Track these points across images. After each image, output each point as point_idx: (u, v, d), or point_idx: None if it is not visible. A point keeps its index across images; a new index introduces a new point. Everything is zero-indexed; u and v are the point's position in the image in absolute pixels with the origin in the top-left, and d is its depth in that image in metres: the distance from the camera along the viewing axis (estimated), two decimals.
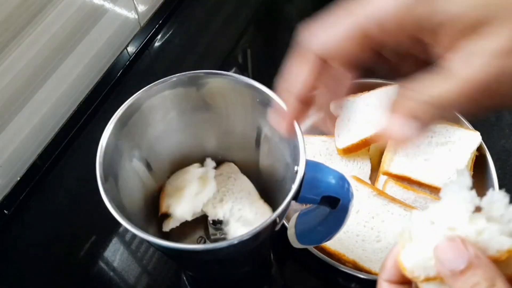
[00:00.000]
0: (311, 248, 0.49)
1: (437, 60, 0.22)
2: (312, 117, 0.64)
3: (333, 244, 0.49)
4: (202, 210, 0.47)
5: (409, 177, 0.53)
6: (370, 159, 0.57)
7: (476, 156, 0.55)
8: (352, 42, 0.23)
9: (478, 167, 0.55)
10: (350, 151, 0.56)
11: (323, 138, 0.59)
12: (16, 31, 0.50)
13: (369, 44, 0.23)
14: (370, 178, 0.56)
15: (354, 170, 0.56)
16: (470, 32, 0.20)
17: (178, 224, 0.48)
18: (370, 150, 0.58)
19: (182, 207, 0.45)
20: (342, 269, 0.48)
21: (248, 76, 0.41)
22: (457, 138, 0.55)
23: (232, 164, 0.50)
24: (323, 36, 0.25)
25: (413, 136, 0.24)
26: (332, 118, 0.31)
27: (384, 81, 0.60)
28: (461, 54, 0.20)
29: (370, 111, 0.57)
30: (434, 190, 0.53)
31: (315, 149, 0.58)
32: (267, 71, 0.71)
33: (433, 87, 0.21)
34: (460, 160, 0.54)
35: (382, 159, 0.56)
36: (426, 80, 0.21)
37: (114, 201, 0.35)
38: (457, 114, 0.58)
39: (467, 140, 0.55)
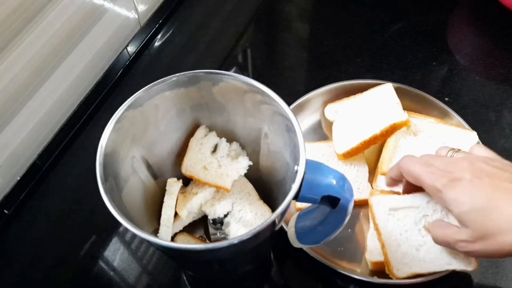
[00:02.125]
0: (309, 250, 0.49)
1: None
2: (306, 123, 0.64)
3: None
4: (201, 211, 0.47)
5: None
6: (366, 161, 0.57)
7: None
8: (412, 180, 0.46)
9: None
10: (350, 155, 0.56)
11: (318, 144, 0.59)
12: (16, 31, 0.50)
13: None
14: (369, 181, 0.56)
15: (352, 174, 0.56)
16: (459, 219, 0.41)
17: (181, 228, 0.48)
18: (365, 152, 0.58)
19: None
20: (340, 271, 0.48)
21: (248, 76, 0.41)
22: (455, 138, 0.55)
23: None
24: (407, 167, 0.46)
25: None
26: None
27: (375, 81, 0.60)
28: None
29: (366, 113, 0.57)
30: None
31: (310, 155, 0.58)
32: (267, 70, 0.72)
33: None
34: None
35: (380, 160, 0.56)
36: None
37: (114, 201, 0.35)
38: (453, 113, 0.58)
39: (464, 140, 0.55)
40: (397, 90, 0.58)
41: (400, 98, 0.57)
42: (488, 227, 0.38)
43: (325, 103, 0.61)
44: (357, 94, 0.60)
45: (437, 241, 0.44)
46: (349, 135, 0.56)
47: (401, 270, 0.46)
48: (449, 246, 0.43)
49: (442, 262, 0.45)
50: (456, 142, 0.55)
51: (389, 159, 0.55)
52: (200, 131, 0.47)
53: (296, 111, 0.60)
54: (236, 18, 0.77)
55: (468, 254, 0.43)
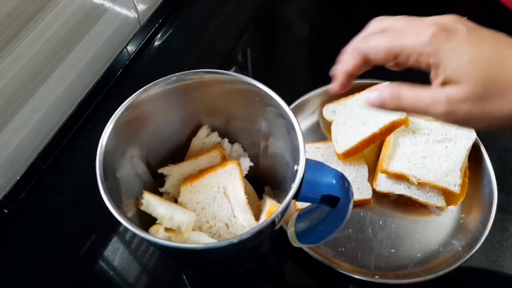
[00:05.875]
0: (309, 250, 0.49)
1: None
2: (305, 124, 0.64)
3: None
4: None
5: (407, 176, 0.53)
6: (366, 161, 0.57)
7: (473, 152, 0.55)
8: (383, 54, 0.35)
9: (475, 162, 0.55)
10: (350, 154, 0.56)
11: (317, 145, 0.59)
12: (15, 31, 0.50)
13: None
14: (369, 180, 0.56)
15: (352, 174, 0.56)
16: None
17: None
18: (365, 152, 0.58)
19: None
20: (340, 271, 0.48)
21: (248, 75, 0.41)
22: (453, 135, 0.55)
23: None
24: (370, 45, 0.36)
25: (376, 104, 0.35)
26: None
27: (373, 81, 0.60)
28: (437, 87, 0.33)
29: (364, 112, 0.57)
30: (433, 188, 0.53)
31: (310, 156, 0.58)
32: (267, 70, 0.72)
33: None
34: (457, 156, 0.54)
35: (380, 158, 0.56)
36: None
37: (114, 200, 0.35)
38: None
39: (462, 136, 0.55)
40: None
41: None
42: (494, 81, 0.30)
43: (323, 104, 0.61)
44: (354, 94, 0.60)
45: (404, 105, 0.34)
46: (349, 135, 0.56)
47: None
48: (421, 110, 0.33)
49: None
50: (455, 139, 0.55)
51: (388, 157, 0.55)
52: (203, 131, 0.47)
53: (294, 113, 0.60)
54: (236, 18, 0.77)
55: (448, 119, 0.32)
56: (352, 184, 0.54)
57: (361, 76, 0.63)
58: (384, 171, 0.54)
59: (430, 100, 0.32)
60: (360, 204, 0.55)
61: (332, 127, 0.58)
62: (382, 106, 0.34)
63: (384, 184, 0.55)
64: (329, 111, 0.60)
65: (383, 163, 0.54)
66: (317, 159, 0.57)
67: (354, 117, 0.57)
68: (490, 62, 0.31)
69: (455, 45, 0.32)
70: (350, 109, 0.58)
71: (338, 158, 0.57)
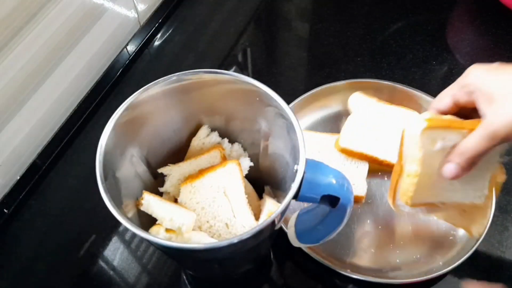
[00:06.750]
0: (309, 250, 0.49)
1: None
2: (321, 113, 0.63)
3: None
4: None
5: (435, 204, 0.47)
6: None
7: None
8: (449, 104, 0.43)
9: None
10: (347, 153, 0.56)
11: (323, 135, 0.59)
12: (15, 30, 0.50)
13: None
14: (367, 179, 0.56)
15: (351, 169, 0.56)
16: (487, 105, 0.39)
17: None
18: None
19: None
20: (340, 271, 0.48)
21: (248, 75, 0.41)
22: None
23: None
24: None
25: (458, 174, 0.41)
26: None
27: (376, 81, 0.60)
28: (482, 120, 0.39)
29: (383, 128, 0.56)
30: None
31: (313, 145, 0.58)
32: (267, 70, 0.72)
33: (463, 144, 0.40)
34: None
35: (406, 188, 0.44)
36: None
37: (114, 200, 0.35)
38: None
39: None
40: (396, 91, 0.57)
41: (400, 99, 0.56)
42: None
43: (347, 98, 0.60)
44: (393, 104, 0.58)
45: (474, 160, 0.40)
46: (357, 138, 0.56)
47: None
48: (489, 146, 0.39)
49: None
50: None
51: (418, 191, 0.44)
52: (203, 131, 0.47)
53: (316, 98, 0.61)
54: (236, 18, 0.77)
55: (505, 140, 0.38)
56: (349, 179, 0.54)
57: (360, 77, 0.64)
58: (413, 205, 0.44)
59: (479, 137, 0.39)
60: (354, 200, 0.54)
61: (348, 119, 0.58)
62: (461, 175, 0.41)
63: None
64: (355, 100, 0.59)
65: (411, 199, 0.43)
66: (322, 149, 0.58)
67: (371, 125, 0.56)
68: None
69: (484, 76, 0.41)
70: (376, 114, 0.57)
71: (335, 148, 0.57)
